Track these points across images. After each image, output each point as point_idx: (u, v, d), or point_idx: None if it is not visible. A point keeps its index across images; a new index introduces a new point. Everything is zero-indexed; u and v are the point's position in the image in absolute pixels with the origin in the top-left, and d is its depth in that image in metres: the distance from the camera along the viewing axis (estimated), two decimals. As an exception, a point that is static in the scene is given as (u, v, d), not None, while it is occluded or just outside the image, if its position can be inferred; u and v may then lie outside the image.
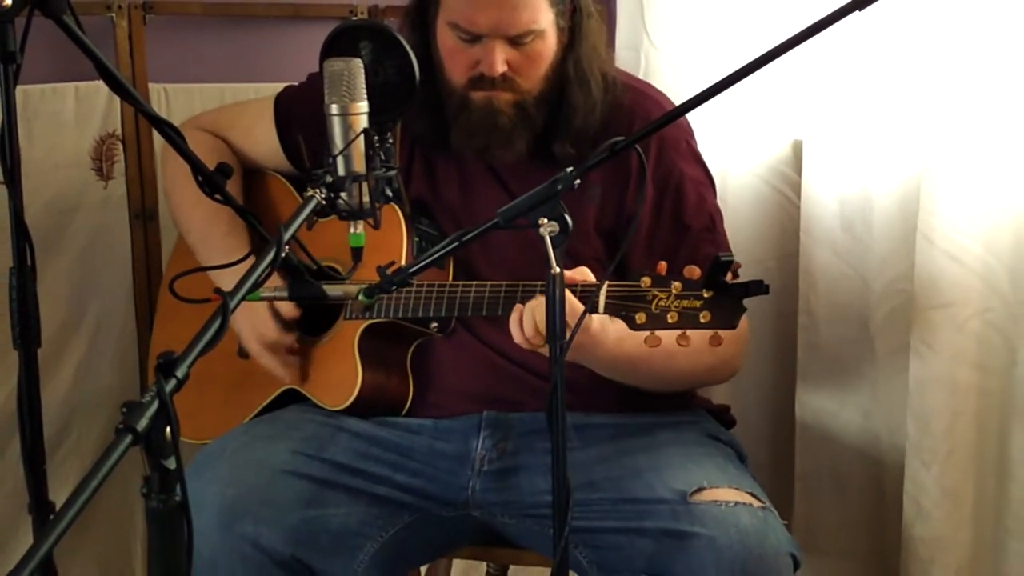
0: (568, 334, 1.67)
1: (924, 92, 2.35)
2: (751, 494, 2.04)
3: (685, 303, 1.75)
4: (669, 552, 1.97)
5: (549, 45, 2.18)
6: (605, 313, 1.83)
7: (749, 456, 2.32)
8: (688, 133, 2.35)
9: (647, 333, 1.77)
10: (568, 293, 1.77)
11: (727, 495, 2.01)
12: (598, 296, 1.82)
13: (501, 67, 2.14)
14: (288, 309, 2.32)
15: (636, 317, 1.78)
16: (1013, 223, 2.25)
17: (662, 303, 1.76)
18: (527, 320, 1.90)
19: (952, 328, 2.30)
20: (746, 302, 1.73)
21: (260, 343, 2.33)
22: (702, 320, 1.74)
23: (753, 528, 1.96)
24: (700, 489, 2.02)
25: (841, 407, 2.66)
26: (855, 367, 2.62)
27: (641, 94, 2.34)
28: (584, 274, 1.91)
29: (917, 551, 2.39)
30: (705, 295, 1.74)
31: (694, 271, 1.74)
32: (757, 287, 1.69)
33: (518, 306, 1.92)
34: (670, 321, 1.76)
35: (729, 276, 1.71)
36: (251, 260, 1.54)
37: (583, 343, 1.94)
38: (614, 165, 2.14)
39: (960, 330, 2.30)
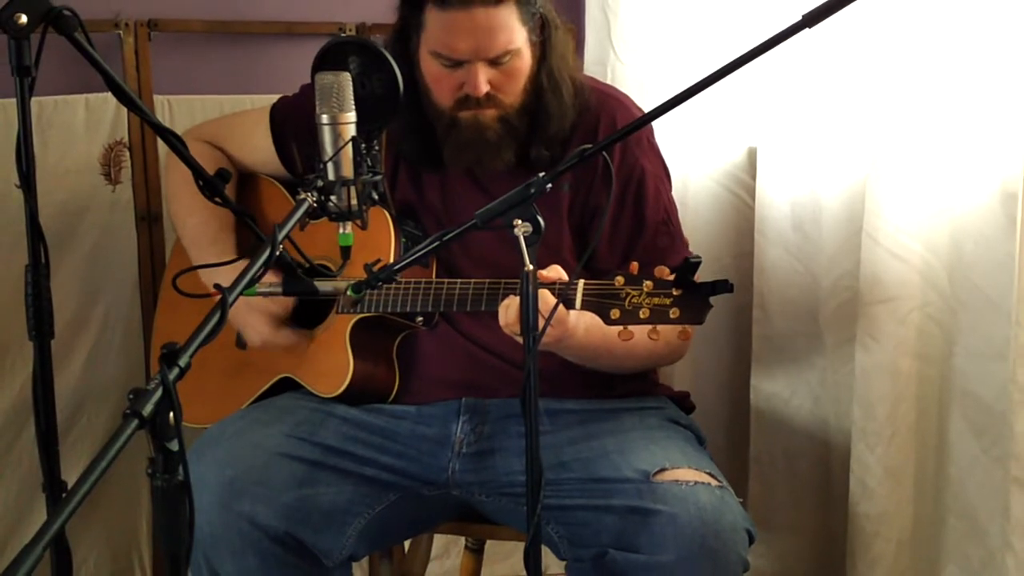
0: (542, 326, 1.68)
1: (869, 103, 2.36)
2: (709, 474, 2.05)
3: (656, 300, 1.75)
4: (634, 528, 1.98)
5: (525, 61, 2.18)
6: (582, 309, 1.84)
7: (707, 439, 2.33)
8: (648, 129, 2.35)
9: (620, 328, 1.78)
10: (547, 292, 1.78)
11: (687, 475, 2.02)
12: (575, 294, 1.83)
13: (484, 87, 2.14)
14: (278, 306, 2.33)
15: (611, 313, 1.79)
16: (951, 224, 2.26)
17: (635, 300, 1.76)
18: (512, 308, 1.91)
19: (895, 321, 2.32)
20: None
21: (271, 322, 2.33)
22: (672, 316, 1.74)
23: (711, 505, 1.97)
24: (662, 470, 2.03)
25: (792, 394, 2.67)
26: (805, 357, 2.63)
27: (605, 95, 2.34)
28: (557, 272, 1.92)
29: (863, 526, 2.40)
30: (675, 293, 1.74)
31: (664, 271, 1.75)
32: (723, 286, 1.69)
33: (511, 295, 1.93)
34: (642, 317, 1.76)
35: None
36: (243, 261, 1.54)
37: (559, 335, 1.96)
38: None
39: (902, 323, 2.31)
